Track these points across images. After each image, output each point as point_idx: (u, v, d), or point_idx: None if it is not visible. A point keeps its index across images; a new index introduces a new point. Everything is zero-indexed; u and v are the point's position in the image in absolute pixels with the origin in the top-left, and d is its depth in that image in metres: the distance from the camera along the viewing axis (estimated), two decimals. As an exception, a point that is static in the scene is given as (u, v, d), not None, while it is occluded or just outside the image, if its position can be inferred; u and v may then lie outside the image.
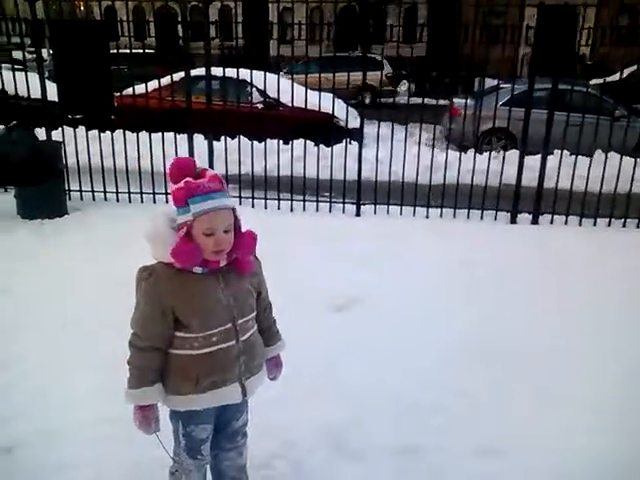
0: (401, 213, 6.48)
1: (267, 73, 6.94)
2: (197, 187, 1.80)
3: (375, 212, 6.57)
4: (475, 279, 4.82)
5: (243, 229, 1.94)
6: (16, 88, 6.56)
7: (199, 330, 1.87)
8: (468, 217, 6.38)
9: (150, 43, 9.11)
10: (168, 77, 7.07)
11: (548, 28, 6.01)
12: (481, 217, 6.38)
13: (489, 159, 6.50)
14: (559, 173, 6.25)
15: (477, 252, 5.36)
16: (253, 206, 6.67)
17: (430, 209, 6.48)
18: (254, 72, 6.73)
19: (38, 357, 3.51)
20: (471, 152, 6.98)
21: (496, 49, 6.44)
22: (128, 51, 6.42)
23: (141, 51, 7.89)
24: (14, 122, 5.85)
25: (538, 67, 6.28)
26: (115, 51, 6.43)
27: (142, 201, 6.78)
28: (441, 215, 6.46)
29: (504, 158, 6.96)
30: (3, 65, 7.19)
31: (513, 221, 6.37)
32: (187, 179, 1.82)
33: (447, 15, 12.72)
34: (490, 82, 8.27)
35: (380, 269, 5.03)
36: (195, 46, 7.29)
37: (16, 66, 6.91)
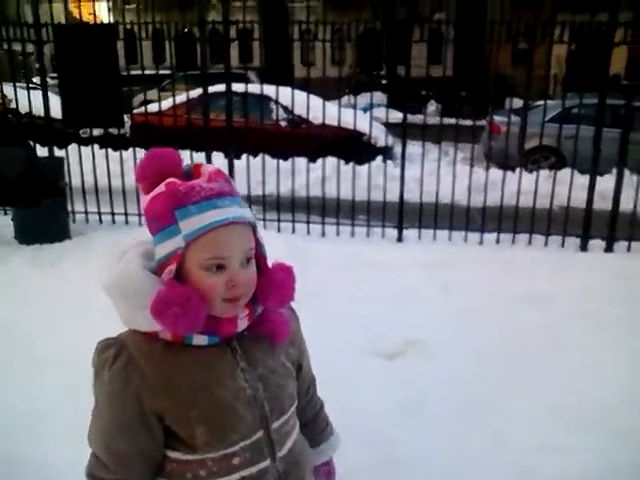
0: (450, 239, 5.66)
1: (291, 89, 6.34)
2: (189, 190, 1.04)
3: (419, 237, 5.77)
4: (548, 319, 3.99)
5: (269, 261, 1.18)
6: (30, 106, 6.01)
7: (208, 447, 1.08)
8: (530, 243, 5.54)
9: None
10: (185, 94, 6.70)
11: (581, 47, 5.83)
12: (545, 243, 5.54)
13: (537, 179, 5.74)
14: (637, 194, 5.44)
15: (545, 285, 4.53)
16: (279, 230, 5.90)
17: (484, 234, 5.66)
18: (279, 88, 6.19)
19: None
20: (515, 171, 6.23)
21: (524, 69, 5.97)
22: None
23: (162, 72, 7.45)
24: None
25: (571, 85, 6.08)
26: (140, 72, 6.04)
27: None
28: (498, 241, 5.63)
29: (555, 178, 6.17)
30: (18, 85, 6.73)
31: (584, 248, 5.51)
32: (170, 179, 1.05)
33: (474, 34, 12.19)
34: (518, 102, 7.69)
35: (430, 306, 4.25)
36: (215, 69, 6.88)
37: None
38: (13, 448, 2.62)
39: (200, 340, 1.07)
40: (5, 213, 6.00)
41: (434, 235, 5.70)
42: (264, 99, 6.58)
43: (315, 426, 1.40)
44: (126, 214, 6.04)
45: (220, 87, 6.48)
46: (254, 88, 7.10)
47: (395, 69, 14.21)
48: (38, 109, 5.96)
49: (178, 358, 1.07)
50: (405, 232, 5.82)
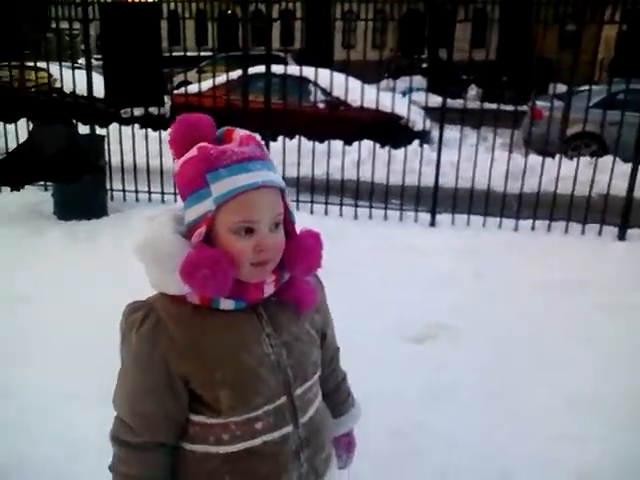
0: (484, 224, 5.57)
1: (330, 71, 6.28)
2: (221, 153, 1.05)
3: (453, 222, 5.69)
4: (583, 307, 3.91)
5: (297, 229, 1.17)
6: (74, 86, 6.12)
7: (232, 411, 1.09)
8: (566, 231, 5.42)
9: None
10: (225, 76, 6.65)
11: (632, 28, 5.66)
12: (582, 231, 5.42)
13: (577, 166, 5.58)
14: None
15: (581, 273, 4.43)
16: (312, 212, 5.91)
17: (520, 221, 5.54)
18: (318, 70, 6.14)
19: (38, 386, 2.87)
20: (555, 158, 6.10)
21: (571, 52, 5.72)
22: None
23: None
24: None
25: (619, 69, 5.84)
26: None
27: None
28: (533, 228, 5.51)
29: (596, 165, 6.00)
30: (63, 64, 6.88)
31: (622, 237, 5.36)
32: (202, 144, 1.05)
33: (520, 16, 11.88)
34: (562, 88, 7.46)
35: (461, 291, 4.21)
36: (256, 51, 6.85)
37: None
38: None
39: (227, 304, 1.08)
40: (45, 189, 6.14)
41: (468, 220, 5.61)
42: (303, 81, 6.57)
43: (337, 397, 1.41)
44: (162, 193, 6.11)
45: (260, 68, 6.51)
46: (293, 70, 7.08)
47: (437, 52, 13.97)
48: (82, 89, 6.06)
49: (205, 321, 1.08)
50: (438, 217, 5.74)
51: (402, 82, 11.34)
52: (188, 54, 6.65)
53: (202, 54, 7.45)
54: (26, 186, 6.01)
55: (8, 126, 6.48)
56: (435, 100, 6.93)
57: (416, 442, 2.65)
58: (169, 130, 1.11)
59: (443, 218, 5.75)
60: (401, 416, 2.80)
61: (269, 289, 1.11)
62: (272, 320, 1.13)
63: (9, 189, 5.56)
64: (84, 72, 6.18)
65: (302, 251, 1.12)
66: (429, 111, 8.01)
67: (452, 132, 8.07)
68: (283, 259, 1.11)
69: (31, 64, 7.18)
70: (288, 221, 1.13)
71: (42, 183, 6.15)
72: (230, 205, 1.03)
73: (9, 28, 5.96)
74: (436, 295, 4.11)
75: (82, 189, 5.29)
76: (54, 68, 7.13)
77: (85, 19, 5.73)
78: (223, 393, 1.08)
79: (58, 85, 7.26)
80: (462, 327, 3.65)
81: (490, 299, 4.04)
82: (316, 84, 7.30)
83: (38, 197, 5.88)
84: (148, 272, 1.09)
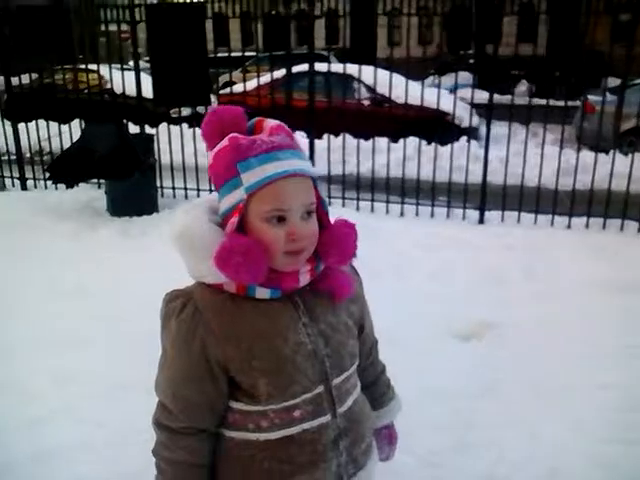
0: (535, 222, 5.43)
1: (375, 68, 6.26)
2: (251, 143, 1.05)
3: (502, 220, 5.57)
4: (631, 308, 3.75)
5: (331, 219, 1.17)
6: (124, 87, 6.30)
7: (270, 399, 1.11)
8: (621, 229, 5.23)
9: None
10: (269, 75, 6.77)
11: None
12: (639, 229, 5.22)
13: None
14: None
15: (633, 273, 4.26)
16: (358, 208, 5.89)
17: (573, 218, 5.38)
18: (362, 67, 6.11)
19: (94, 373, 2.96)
20: (609, 153, 5.89)
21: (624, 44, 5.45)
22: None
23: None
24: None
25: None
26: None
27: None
28: (587, 226, 5.35)
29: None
30: (113, 65, 7.08)
31: (682, 236, 5.14)
32: (233, 134, 1.06)
33: (570, 7, 11.50)
34: (615, 82, 7.19)
35: (510, 288, 4.14)
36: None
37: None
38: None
39: (262, 293, 1.08)
40: (99, 187, 6.33)
41: (518, 218, 5.48)
42: (347, 78, 6.55)
43: (376, 389, 1.40)
44: (211, 190, 6.20)
45: (303, 67, 6.53)
46: (337, 67, 7.09)
47: (484, 48, 13.62)
48: (132, 90, 6.20)
49: (242, 309, 1.09)
50: (487, 214, 5.63)
51: (448, 78, 11.17)
52: (232, 54, 6.77)
53: (246, 54, 7.52)
54: (81, 184, 6.22)
55: (63, 126, 6.70)
56: (482, 96, 6.80)
57: (462, 439, 2.63)
58: (202, 125, 1.12)
59: (492, 215, 5.64)
60: (447, 412, 2.78)
61: (304, 279, 1.11)
62: (309, 310, 1.14)
63: (64, 187, 5.75)
64: (133, 73, 6.34)
65: (336, 241, 1.12)
66: (476, 107, 7.88)
67: (501, 128, 7.90)
68: (317, 249, 1.11)
69: (83, 66, 7.42)
70: (321, 210, 1.13)
71: (96, 181, 6.35)
72: (261, 194, 1.03)
73: (64, 33, 6.15)
74: (484, 292, 4.05)
75: (133, 187, 5.42)
76: (105, 70, 7.36)
77: (132, 21, 5.87)
78: (261, 380, 1.09)
79: (109, 86, 7.49)
80: (510, 325, 3.59)
81: (539, 298, 3.96)
82: (360, 81, 7.27)
83: (92, 195, 6.06)
84: (185, 262, 1.11)
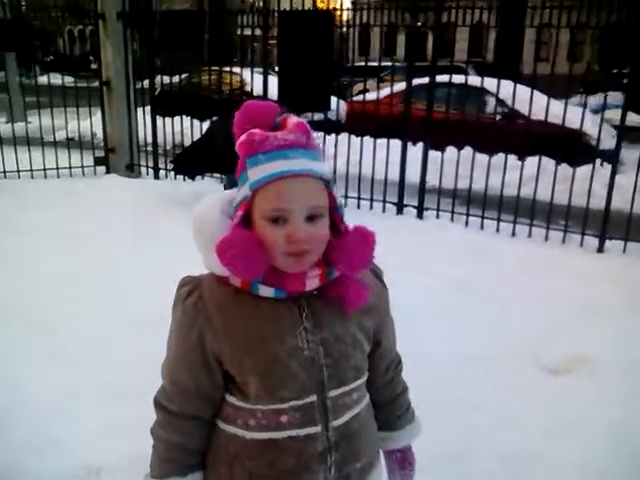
0: (664, 255, 4.88)
1: (514, 83, 6.00)
2: (264, 139, 1.02)
3: (624, 250, 5.08)
4: None
5: (350, 225, 1.11)
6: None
7: (258, 399, 1.09)
8: None
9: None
10: (397, 86, 6.91)
11: None
12: None
13: None
14: None
15: None
16: (467, 224, 5.70)
17: None
18: (493, 80, 5.95)
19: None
20: None
21: None
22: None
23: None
24: None
25: None
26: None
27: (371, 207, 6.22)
28: None
29: None
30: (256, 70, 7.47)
31: None
32: (253, 129, 1.03)
33: None
34: None
35: (620, 326, 3.74)
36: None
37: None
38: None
39: (266, 292, 1.06)
40: (221, 181, 6.65)
41: (643, 250, 4.98)
42: (482, 92, 6.40)
43: (392, 410, 1.32)
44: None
45: (441, 78, 6.45)
46: (474, 80, 6.93)
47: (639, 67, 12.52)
48: (272, 94, 6.42)
49: (243, 306, 1.08)
50: (608, 243, 5.18)
51: (597, 98, 10.44)
52: (369, 64, 6.87)
53: (383, 64, 7.60)
54: (206, 178, 6.62)
55: (198, 123, 7.18)
56: (634, 119, 6.25)
57: (525, 472, 2.43)
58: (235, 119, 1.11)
59: (614, 245, 5.17)
60: (514, 443, 2.59)
61: (312, 283, 1.07)
62: (314, 315, 1.09)
63: (186, 178, 6.15)
64: (273, 78, 6.62)
65: (347, 247, 1.06)
66: (625, 130, 7.25)
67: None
68: (327, 254, 1.07)
69: (227, 69, 7.91)
70: (335, 215, 1.08)
71: (219, 175, 6.71)
72: (264, 192, 1.01)
73: (221, 38, 6.58)
74: (588, 326, 3.70)
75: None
76: (247, 73, 7.76)
77: (265, 26, 6.13)
78: (251, 379, 1.07)
79: (248, 89, 7.91)
80: (606, 364, 3.24)
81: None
82: (495, 95, 6.96)
83: (211, 187, 6.41)
84: (199, 251, 1.11)
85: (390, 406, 1.32)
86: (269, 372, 1.07)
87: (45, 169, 7.11)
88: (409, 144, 6.21)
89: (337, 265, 1.07)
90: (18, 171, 7.11)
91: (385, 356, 1.26)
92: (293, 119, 1.07)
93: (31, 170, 7.07)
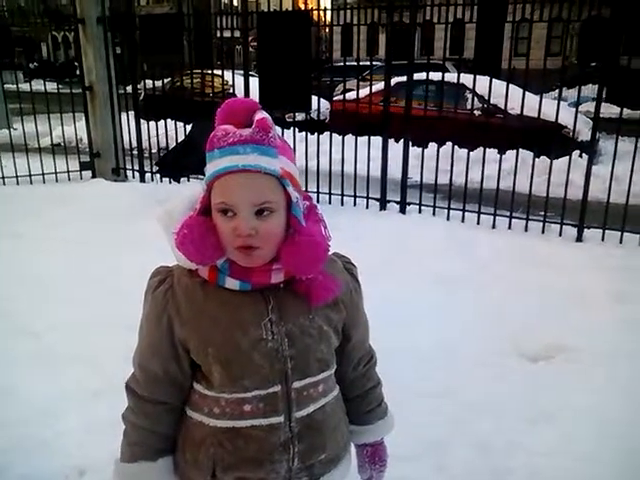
0: (640, 243, 4.98)
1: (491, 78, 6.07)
2: (224, 135, 1.05)
3: (603, 239, 5.18)
4: None
5: (308, 222, 1.12)
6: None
7: (221, 387, 1.13)
8: None
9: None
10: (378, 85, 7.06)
11: None
12: None
13: None
14: None
15: None
16: (448, 218, 5.78)
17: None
18: (470, 76, 6.07)
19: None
20: None
21: None
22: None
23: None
24: None
25: None
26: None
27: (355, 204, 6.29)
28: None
29: None
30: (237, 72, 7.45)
31: None
32: (222, 126, 1.08)
33: None
34: None
35: (598, 313, 3.82)
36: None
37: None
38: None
39: (232, 284, 1.10)
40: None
41: (621, 238, 5.07)
42: (459, 87, 6.47)
43: (363, 404, 1.35)
44: (318, 192, 6.25)
45: (419, 75, 6.52)
46: (451, 77, 7.00)
47: (618, 60, 12.66)
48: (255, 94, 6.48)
49: (209, 297, 1.11)
50: (587, 232, 5.27)
51: (575, 91, 10.58)
52: (348, 64, 6.94)
53: (362, 63, 7.66)
54: (192, 179, 6.65)
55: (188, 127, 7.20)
56: (610, 111, 6.35)
57: (503, 462, 2.48)
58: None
59: (592, 234, 5.26)
60: (494, 432, 2.64)
61: (277, 276, 1.10)
62: (280, 308, 1.12)
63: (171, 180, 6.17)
64: (254, 79, 6.63)
65: (294, 249, 1.06)
66: (600, 122, 7.35)
67: (624, 144, 7.31)
68: (281, 251, 1.08)
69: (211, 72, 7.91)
70: (289, 213, 1.08)
71: (203, 176, 6.71)
72: (215, 186, 1.06)
73: (204, 42, 6.59)
74: (567, 314, 3.78)
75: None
76: (229, 75, 7.79)
77: (245, 28, 6.17)
78: (214, 368, 1.11)
79: (231, 91, 7.92)
80: (583, 351, 3.31)
81: (626, 327, 3.61)
82: (472, 90, 7.02)
83: (196, 188, 6.42)
84: (169, 243, 1.14)
85: (362, 400, 1.34)
86: (231, 361, 1.10)
87: (30, 175, 7.11)
88: (391, 141, 6.28)
89: (283, 262, 1.08)
90: (3, 177, 7.11)
91: (356, 351, 1.29)
92: (258, 115, 1.08)
93: (16, 176, 7.06)
